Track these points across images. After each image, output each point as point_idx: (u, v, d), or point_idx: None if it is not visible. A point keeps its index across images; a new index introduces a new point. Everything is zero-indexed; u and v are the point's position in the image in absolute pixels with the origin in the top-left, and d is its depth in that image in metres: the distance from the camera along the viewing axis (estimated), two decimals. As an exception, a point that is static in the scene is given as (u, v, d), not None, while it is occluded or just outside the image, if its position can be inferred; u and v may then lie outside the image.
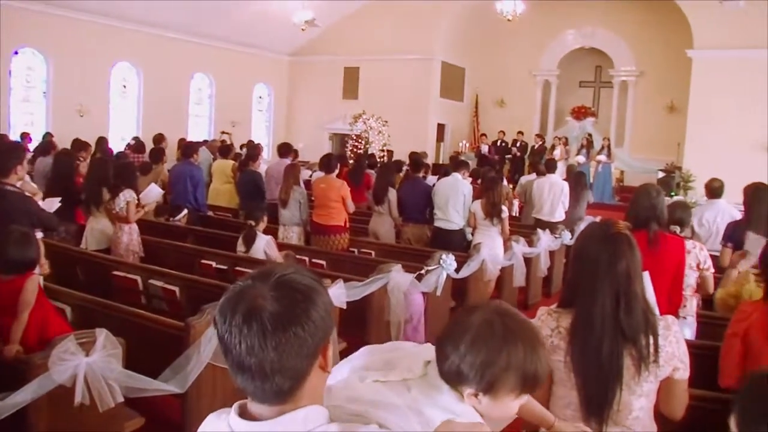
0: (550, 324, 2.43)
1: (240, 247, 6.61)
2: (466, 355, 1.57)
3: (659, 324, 2.33)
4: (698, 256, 4.65)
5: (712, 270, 4.64)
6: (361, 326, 5.70)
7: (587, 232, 2.52)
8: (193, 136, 18.22)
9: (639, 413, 2.33)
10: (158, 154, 10.35)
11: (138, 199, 7.16)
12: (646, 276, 3.13)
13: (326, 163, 8.27)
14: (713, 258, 6.20)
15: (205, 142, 15.08)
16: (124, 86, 18.51)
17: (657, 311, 2.96)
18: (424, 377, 1.63)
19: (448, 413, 1.55)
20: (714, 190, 7.19)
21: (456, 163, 8.95)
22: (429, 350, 1.72)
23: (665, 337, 2.31)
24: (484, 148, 19.92)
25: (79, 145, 9.79)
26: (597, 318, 2.29)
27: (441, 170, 10.48)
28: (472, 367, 1.56)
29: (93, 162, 8.52)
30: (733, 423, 1.32)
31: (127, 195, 6.94)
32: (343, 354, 5.25)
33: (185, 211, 9.23)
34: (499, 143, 20.24)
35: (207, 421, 1.44)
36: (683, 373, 2.36)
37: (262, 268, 1.38)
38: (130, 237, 7.01)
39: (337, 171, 8.33)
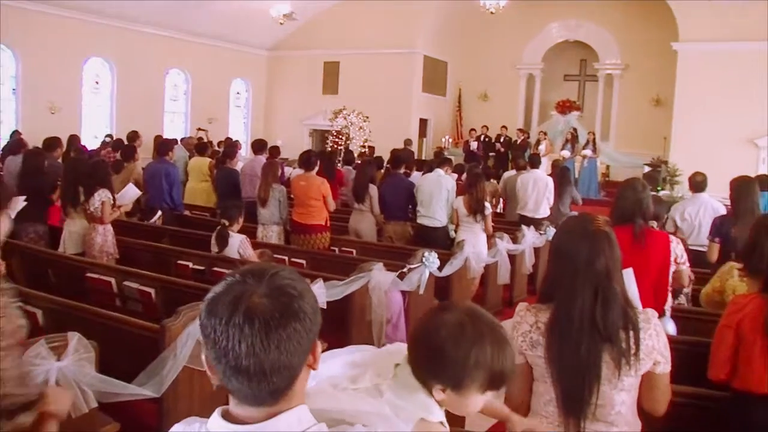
0: (528, 320, 2.44)
1: (213, 248, 6.58)
2: (437, 354, 1.67)
3: (639, 317, 2.35)
4: (675, 251, 4.68)
5: (688, 264, 4.67)
6: (342, 326, 5.69)
7: (566, 228, 2.53)
8: (169, 134, 18.09)
9: (621, 408, 2.35)
10: (130, 151, 10.26)
11: (114, 199, 7.09)
12: (630, 272, 3.15)
13: (306, 160, 8.23)
14: (699, 253, 6.28)
15: (182, 139, 15.02)
16: (97, 82, 18.35)
17: (639, 306, 2.98)
18: (394, 379, 1.71)
19: (423, 411, 1.64)
20: (697, 184, 7.26)
21: (439, 160, 8.98)
22: (398, 351, 1.81)
23: (645, 330, 2.33)
24: (473, 145, 19.88)
25: (50, 142, 9.68)
26: (575, 316, 2.31)
27: (425, 167, 10.48)
28: (442, 366, 1.66)
29: (68, 162, 8.44)
30: None
31: (102, 195, 6.86)
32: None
33: (159, 213, 9.17)
34: (482, 138, 20.26)
35: (175, 428, 1.44)
36: (665, 366, 2.38)
37: (252, 267, 1.39)
38: (105, 238, 6.93)
39: (317, 168, 8.29)
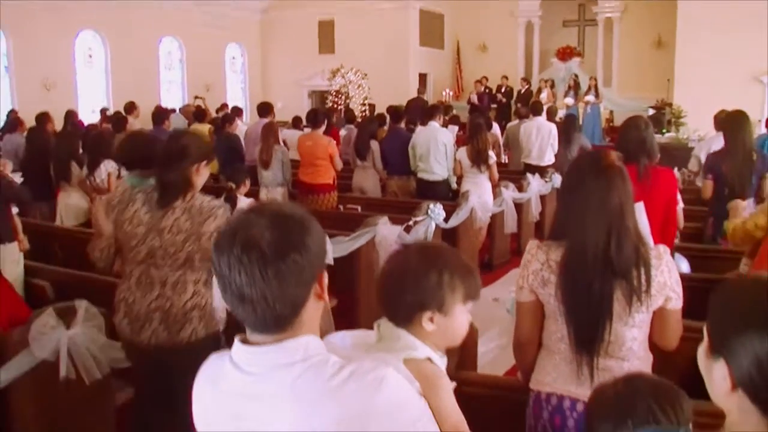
0: (539, 257, 2.41)
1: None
2: (413, 286, 1.76)
3: (651, 254, 2.33)
4: None
5: (682, 204, 4.64)
6: (350, 283, 5.71)
7: (577, 165, 2.51)
8: (166, 103, 17.94)
9: (632, 344, 2.35)
10: (120, 122, 10.21)
11: (119, 170, 7.11)
12: (641, 206, 3.13)
13: (312, 119, 8.16)
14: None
15: (180, 108, 14.95)
16: (90, 56, 18.22)
17: (651, 242, 2.97)
18: (380, 341, 1.80)
19: (408, 350, 1.72)
20: (722, 121, 7.17)
21: (429, 110, 8.80)
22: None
23: (657, 266, 2.31)
24: (474, 98, 19.65)
25: (39, 118, 9.61)
26: (589, 253, 2.28)
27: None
28: (421, 294, 1.76)
29: (60, 135, 8.42)
30: (706, 330, 1.31)
31: (108, 166, 6.89)
32: (334, 311, 5.22)
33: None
34: (484, 90, 20.03)
35: (208, 360, 1.54)
36: (676, 302, 2.37)
37: (258, 204, 1.49)
38: None
39: (324, 127, 8.20)
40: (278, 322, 1.40)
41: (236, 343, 1.44)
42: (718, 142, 7.03)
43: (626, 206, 2.33)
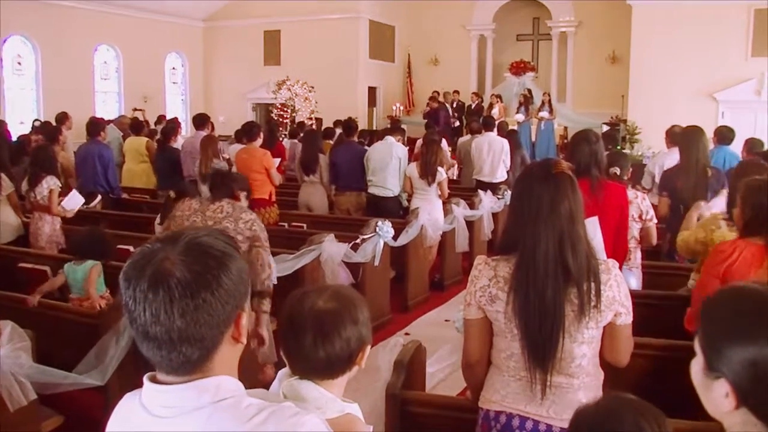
0: (487, 273, 2.43)
1: (157, 220, 6.50)
2: (334, 345, 1.76)
3: (600, 267, 2.36)
4: (640, 207, 4.76)
5: (656, 220, 4.75)
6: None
7: (528, 172, 2.54)
8: (102, 115, 17.58)
9: (581, 361, 2.37)
10: (53, 133, 10.00)
11: (61, 186, 6.96)
12: (595, 221, 3.19)
13: (248, 132, 8.11)
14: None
15: (114, 120, 14.71)
16: (19, 63, 17.83)
17: (604, 255, 3.02)
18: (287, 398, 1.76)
19: (320, 413, 1.66)
20: (675, 136, 7.30)
21: (391, 127, 8.95)
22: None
23: (605, 281, 2.34)
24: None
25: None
26: (540, 260, 2.31)
27: (375, 137, 10.41)
28: (351, 345, 1.78)
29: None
30: (698, 345, 1.33)
31: (50, 182, 6.72)
32: (277, 334, 5.22)
33: (99, 198, 8.99)
34: (437, 105, 20.06)
35: (121, 401, 1.45)
36: (626, 318, 2.41)
37: (174, 231, 1.38)
38: (53, 227, 6.80)
39: (260, 140, 8.16)
40: (184, 365, 1.32)
41: (145, 381, 1.37)
42: (670, 158, 7.18)
43: (576, 214, 2.37)
